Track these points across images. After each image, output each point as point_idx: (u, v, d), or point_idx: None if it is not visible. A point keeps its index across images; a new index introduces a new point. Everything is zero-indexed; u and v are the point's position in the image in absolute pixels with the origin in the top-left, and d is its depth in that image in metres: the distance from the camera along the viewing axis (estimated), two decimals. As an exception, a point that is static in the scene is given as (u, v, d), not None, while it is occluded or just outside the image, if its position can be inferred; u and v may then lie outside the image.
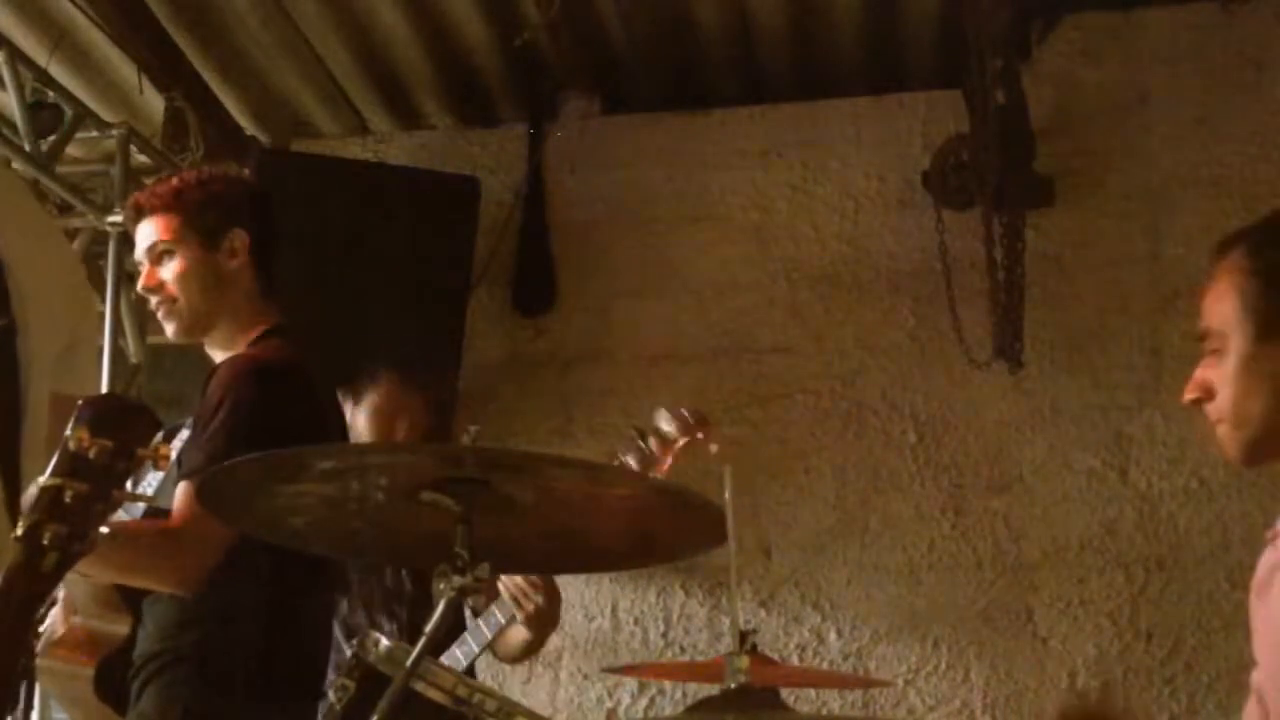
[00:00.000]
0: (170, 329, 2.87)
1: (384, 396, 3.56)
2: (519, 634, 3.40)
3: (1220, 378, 2.01)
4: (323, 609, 2.90)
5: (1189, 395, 2.05)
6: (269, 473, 2.01)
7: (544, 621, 3.37)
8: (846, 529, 4.79)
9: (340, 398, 3.57)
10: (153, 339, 4.94)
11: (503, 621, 3.36)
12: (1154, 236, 4.74)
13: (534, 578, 3.29)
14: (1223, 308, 2.02)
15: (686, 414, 3.19)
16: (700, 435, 3.20)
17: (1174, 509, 4.61)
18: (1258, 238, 2.05)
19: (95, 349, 3.07)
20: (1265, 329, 1.98)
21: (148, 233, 2.84)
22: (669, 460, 3.15)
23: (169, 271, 2.81)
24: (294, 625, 2.73)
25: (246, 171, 4.92)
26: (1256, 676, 2.03)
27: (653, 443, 3.14)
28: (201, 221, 2.82)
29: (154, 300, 2.86)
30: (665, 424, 3.16)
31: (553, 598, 3.37)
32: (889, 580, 4.75)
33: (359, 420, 3.56)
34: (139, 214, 2.86)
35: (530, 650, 3.52)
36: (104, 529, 1.73)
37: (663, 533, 2.15)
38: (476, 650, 3.38)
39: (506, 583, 3.32)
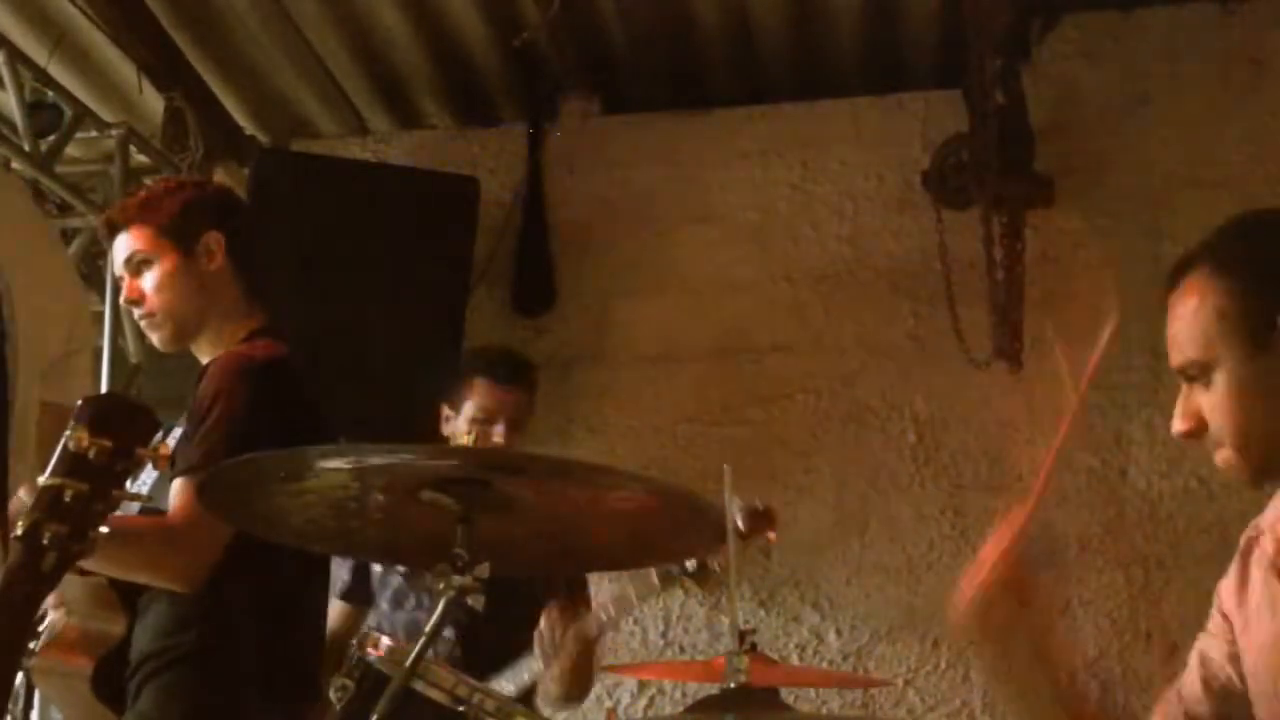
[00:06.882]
0: (157, 339, 2.88)
1: (479, 401, 3.60)
2: (551, 689, 3.44)
3: (1211, 404, 1.90)
4: (320, 607, 2.90)
5: (1182, 428, 1.94)
6: (268, 472, 2.01)
7: (573, 679, 3.41)
8: (846, 529, 4.79)
9: (443, 412, 3.62)
10: (152, 339, 4.93)
11: (538, 670, 3.38)
12: (1154, 236, 4.73)
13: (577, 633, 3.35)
14: (1200, 333, 1.90)
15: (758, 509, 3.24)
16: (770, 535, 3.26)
17: (1174, 509, 4.61)
18: (1222, 252, 1.93)
19: (91, 357, 3.07)
20: (1257, 342, 1.86)
21: (123, 246, 2.85)
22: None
23: (149, 282, 2.82)
24: (292, 624, 2.73)
25: (246, 171, 4.93)
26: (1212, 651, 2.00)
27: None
28: (174, 227, 2.83)
29: (138, 313, 2.86)
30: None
31: (591, 657, 3.42)
32: (889, 580, 4.75)
33: (460, 429, 3.59)
34: (113, 230, 2.88)
35: (571, 698, 3.56)
36: (104, 528, 1.73)
37: (663, 534, 2.15)
38: (513, 690, 3.39)
39: (545, 635, 3.36)
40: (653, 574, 3.37)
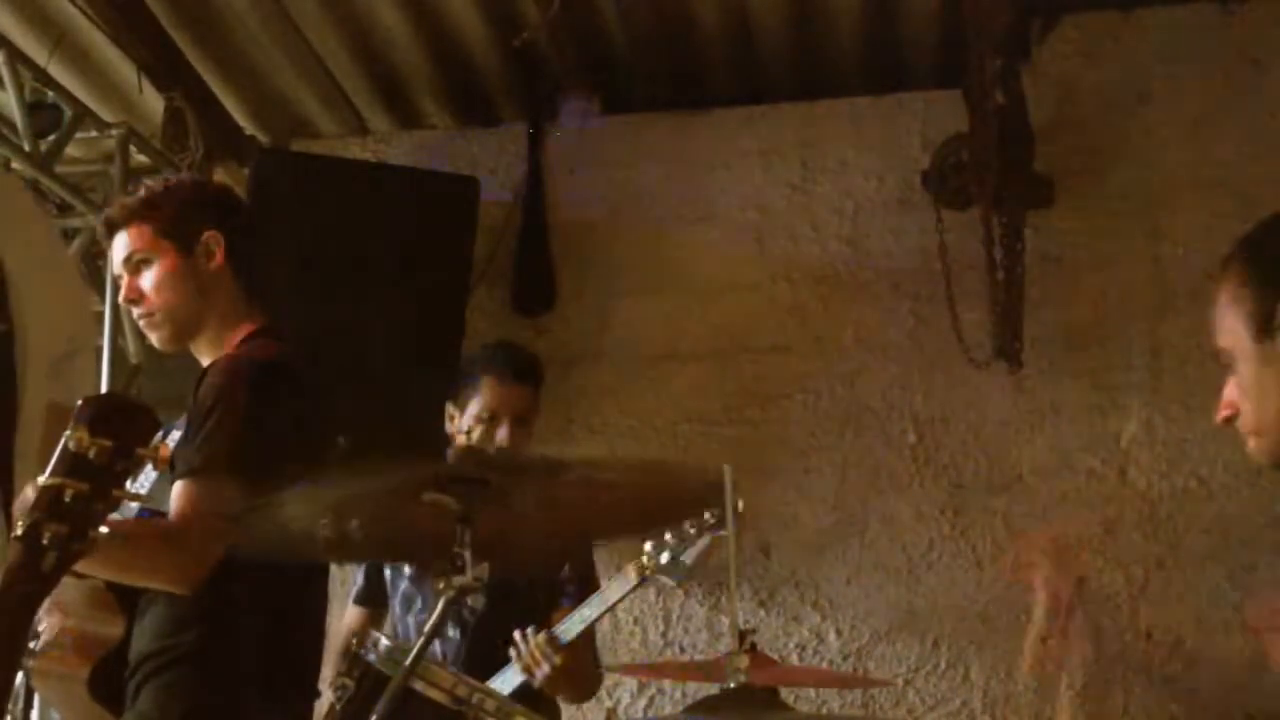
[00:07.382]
0: (155, 339, 2.87)
1: (483, 399, 3.59)
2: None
3: (1239, 392, 2.00)
4: (320, 607, 2.90)
5: (1222, 415, 2.03)
6: (268, 472, 2.01)
7: (563, 685, 3.34)
8: (846, 529, 4.79)
9: (447, 410, 3.61)
10: (152, 339, 4.93)
11: (518, 680, 3.30)
12: (1154, 236, 4.74)
13: (552, 641, 3.25)
14: (1226, 321, 2.00)
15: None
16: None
17: (1174, 509, 4.61)
18: (1246, 246, 2.04)
19: (93, 357, 3.07)
20: (1261, 330, 1.96)
21: (122, 244, 2.84)
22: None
23: (148, 281, 2.81)
24: (292, 624, 2.73)
25: (246, 171, 4.93)
26: None
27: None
28: (174, 227, 2.82)
29: (136, 312, 2.85)
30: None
31: (577, 661, 3.32)
32: (889, 580, 4.75)
33: (466, 425, 3.59)
34: (112, 228, 2.87)
35: (571, 701, 3.52)
36: (104, 528, 1.73)
37: (661, 509, 2.15)
38: (513, 687, 3.34)
39: (520, 647, 3.28)
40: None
